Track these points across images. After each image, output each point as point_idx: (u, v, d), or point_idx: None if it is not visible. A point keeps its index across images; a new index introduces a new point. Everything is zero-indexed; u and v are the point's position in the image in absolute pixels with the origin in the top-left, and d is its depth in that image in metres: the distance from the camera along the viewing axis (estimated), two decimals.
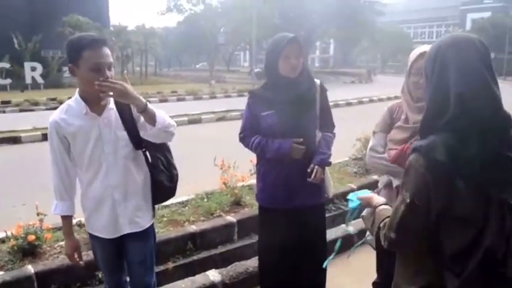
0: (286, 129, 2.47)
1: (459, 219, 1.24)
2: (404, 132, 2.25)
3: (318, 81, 2.64)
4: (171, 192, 2.43)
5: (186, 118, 12.77)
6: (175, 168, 2.44)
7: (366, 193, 1.72)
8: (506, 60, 36.48)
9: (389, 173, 2.38)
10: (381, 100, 18.71)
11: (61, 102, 16.15)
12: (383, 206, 1.55)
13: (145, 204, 2.33)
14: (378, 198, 1.63)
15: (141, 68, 34.80)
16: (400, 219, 1.31)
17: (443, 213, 1.25)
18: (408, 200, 1.28)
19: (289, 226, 2.59)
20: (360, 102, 17.28)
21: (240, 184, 4.76)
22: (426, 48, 2.06)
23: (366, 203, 1.66)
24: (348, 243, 2.85)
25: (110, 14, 35.59)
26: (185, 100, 19.61)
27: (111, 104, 2.20)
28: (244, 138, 2.67)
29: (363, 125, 11.13)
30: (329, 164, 2.66)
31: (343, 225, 4.36)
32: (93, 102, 2.15)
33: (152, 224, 2.44)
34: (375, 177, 5.55)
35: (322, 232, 2.83)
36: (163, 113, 2.19)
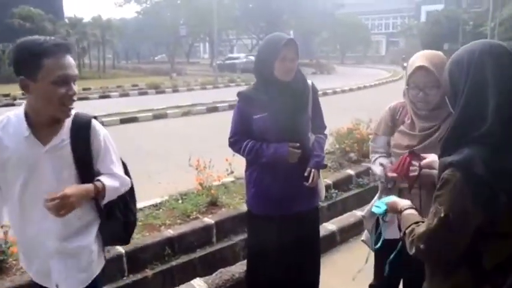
0: (280, 133, 2.36)
1: (501, 233, 1.21)
2: (411, 139, 2.13)
3: (310, 82, 2.54)
4: (123, 242, 2.12)
5: (150, 113, 12.41)
6: (133, 215, 2.06)
7: (390, 199, 1.68)
8: None
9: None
10: (343, 91, 18.90)
11: (15, 99, 15.46)
12: (409, 211, 1.51)
13: (89, 257, 1.89)
14: (403, 201, 1.58)
15: (99, 61, 33.71)
16: (431, 232, 1.27)
17: (484, 228, 1.21)
18: (442, 215, 1.23)
19: (284, 233, 2.49)
20: (325, 94, 17.39)
21: (215, 183, 4.62)
22: (423, 61, 1.97)
23: (391, 209, 1.62)
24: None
25: (63, 5, 34.16)
26: (147, 94, 19.12)
27: (65, 132, 1.75)
28: (236, 143, 2.52)
29: (334, 117, 11.27)
30: (324, 166, 2.58)
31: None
32: (41, 126, 1.70)
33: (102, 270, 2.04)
34: (349, 171, 5.54)
35: (317, 236, 2.76)
36: (117, 179, 1.87)
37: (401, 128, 2.18)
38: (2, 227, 3.17)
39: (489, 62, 1.24)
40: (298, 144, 2.37)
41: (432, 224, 1.26)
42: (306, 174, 2.41)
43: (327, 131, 2.69)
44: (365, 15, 55.37)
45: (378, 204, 1.71)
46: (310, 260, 2.62)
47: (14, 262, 3.20)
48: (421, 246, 1.30)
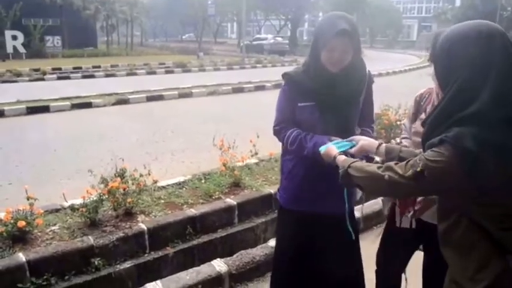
0: (327, 125, 2.12)
1: (493, 203, 1.25)
2: None
3: (367, 72, 2.25)
4: None
5: (176, 92, 12.42)
6: None
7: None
8: None
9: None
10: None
11: (44, 74, 15.82)
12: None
13: None
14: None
15: (127, 39, 33.92)
16: (400, 178, 1.36)
17: (475, 198, 1.26)
18: (418, 169, 1.29)
19: (315, 234, 2.27)
20: None
21: (239, 164, 4.58)
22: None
23: (325, 155, 1.86)
24: None
25: None
26: (174, 73, 19.14)
27: None
28: (280, 131, 2.24)
29: None
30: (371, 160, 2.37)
31: None
32: None
33: None
34: (376, 157, 5.42)
35: (356, 241, 2.36)
36: None
37: (423, 115, 2.08)
38: (28, 198, 3.24)
39: (497, 42, 1.25)
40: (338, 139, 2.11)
41: (405, 173, 1.34)
42: None
43: (374, 125, 2.40)
44: None
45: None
46: (349, 265, 2.35)
47: (39, 234, 3.26)
48: (386, 177, 1.40)
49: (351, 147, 1.95)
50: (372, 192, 1.51)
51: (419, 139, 1.99)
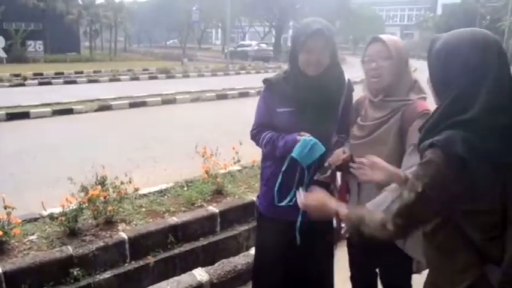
0: (304, 131, 2.12)
1: (482, 210, 1.25)
2: (362, 130, 2.05)
3: (346, 79, 2.27)
4: None
5: (159, 98, 12.35)
6: None
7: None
8: None
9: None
10: (355, 83, 18.60)
11: (25, 79, 15.55)
12: (346, 209, 1.54)
13: None
14: (331, 203, 1.62)
15: (111, 44, 33.67)
16: (409, 206, 1.30)
17: (464, 205, 1.25)
18: (420, 190, 1.26)
19: (291, 242, 2.26)
20: None
21: (222, 172, 4.57)
22: (383, 35, 2.02)
23: (318, 212, 1.65)
24: None
25: None
26: (157, 78, 19.05)
27: None
28: (257, 134, 2.29)
29: None
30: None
31: None
32: None
33: None
34: None
35: (331, 254, 2.43)
36: None
37: (358, 119, 2.12)
38: (5, 207, 3.17)
39: (492, 51, 1.26)
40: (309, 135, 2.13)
41: (409, 199, 1.29)
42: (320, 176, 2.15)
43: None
44: (380, 5, 54.61)
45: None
46: (322, 272, 2.39)
47: (16, 244, 3.19)
48: (399, 221, 1.31)
49: (321, 155, 2.05)
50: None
51: (354, 141, 2.11)
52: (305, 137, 2.06)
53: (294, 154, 2.06)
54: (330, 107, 2.20)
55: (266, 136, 2.23)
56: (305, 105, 2.14)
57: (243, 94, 14.24)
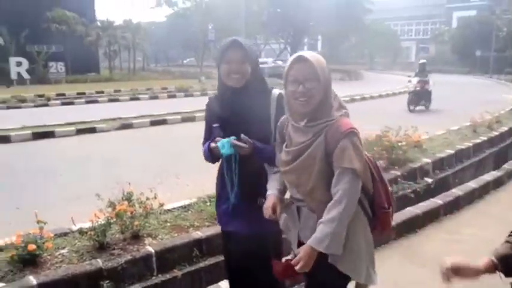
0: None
1: None
2: (287, 155, 1.96)
3: (276, 92, 2.30)
4: None
5: (179, 116, 12.55)
6: None
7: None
8: (492, 58, 36.86)
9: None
10: (372, 98, 18.69)
11: (49, 99, 15.98)
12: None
13: None
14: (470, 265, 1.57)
15: (129, 64, 34.35)
16: None
17: None
18: None
19: (233, 254, 2.43)
20: (353, 100, 17.24)
21: None
22: (305, 53, 1.90)
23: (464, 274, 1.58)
24: None
25: (95, 8, 35.06)
26: (176, 97, 19.38)
27: None
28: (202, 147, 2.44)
29: (362, 124, 11.14)
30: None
31: None
32: None
33: None
34: None
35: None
36: None
37: (284, 145, 2.04)
38: (38, 222, 3.30)
39: None
40: (245, 139, 2.14)
41: None
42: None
43: None
44: (394, 21, 54.63)
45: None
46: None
47: (48, 257, 3.31)
48: None
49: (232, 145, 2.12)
50: None
51: (282, 167, 2.00)
52: (221, 140, 2.14)
53: (223, 152, 2.15)
54: (257, 121, 2.20)
55: (203, 147, 2.40)
56: (229, 120, 2.22)
57: None
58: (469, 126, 9.14)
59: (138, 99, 18.00)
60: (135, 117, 11.91)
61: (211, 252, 3.77)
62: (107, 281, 3.17)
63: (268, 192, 2.10)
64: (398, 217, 4.57)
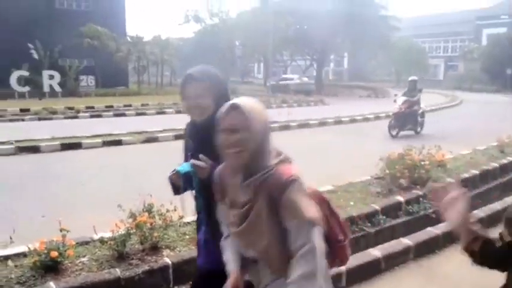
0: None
1: None
2: (233, 217, 1.81)
3: None
4: None
5: None
6: None
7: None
8: None
9: None
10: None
11: (78, 112, 16.43)
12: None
13: None
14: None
15: (157, 79, 35.07)
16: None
17: None
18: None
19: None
20: (377, 118, 17.15)
21: None
22: (238, 100, 1.75)
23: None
24: None
25: (126, 24, 35.99)
26: None
27: None
28: None
29: (386, 142, 11.08)
30: None
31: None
32: None
33: None
34: (399, 197, 5.43)
35: None
36: None
37: (227, 202, 1.85)
38: (61, 230, 3.42)
39: None
40: (204, 158, 2.05)
41: None
42: None
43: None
44: (422, 38, 54.17)
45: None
46: None
47: (69, 264, 3.41)
48: None
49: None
50: None
51: (233, 229, 1.81)
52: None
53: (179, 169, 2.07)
54: (208, 152, 2.05)
55: None
56: (195, 151, 2.14)
57: (284, 127, 14.39)
58: (496, 146, 8.95)
59: (164, 113, 18.33)
60: (161, 131, 12.13)
61: None
62: None
63: (227, 268, 1.88)
64: (418, 237, 4.52)
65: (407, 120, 12.83)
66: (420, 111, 13.26)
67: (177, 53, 36.95)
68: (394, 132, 12.54)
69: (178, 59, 37.23)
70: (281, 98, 25.63)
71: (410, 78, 13.91)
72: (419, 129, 13.30)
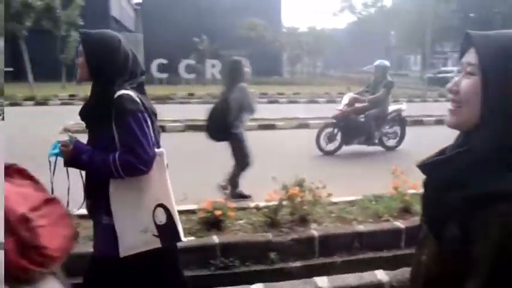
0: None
1: None
2: None
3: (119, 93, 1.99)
4: None
5: None
6: None
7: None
8: None
9: None
10: None
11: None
12: None
13: None
14: None
15: (309, 69, 35.77)
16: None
17: None
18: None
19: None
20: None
21: (411, 191, 4.61)
22: None
23: None
24: None
25: (281, 15, 37.33)
26: None
27: None
28: None
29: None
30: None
31: None
32: None
33: None
34: None
35: None
36: None
37: None
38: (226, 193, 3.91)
39: None
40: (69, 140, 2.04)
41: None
42: None
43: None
44: None
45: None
46: None
47: (229, 224, 3.90)
48: None
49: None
50: None
51: None
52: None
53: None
54: (102, 127, 2.04)
55: None
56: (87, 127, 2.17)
57: (439, 122, 13.53)
58: None
59: (316, 102, 18.74)
60: (312, 118, 12.48)
61: (370, 246, 3.91)
62: (274, 253, 3.59)
63: None
64: None
65: (357, 129, 8.33)
66: (393, 115, 8.86)
67: (330, 43, 37.10)
68: (323, 145, 8.38)
69: (331, 49, 37.41)
70: (438, 91, 23.99)
71: (376, 63, 9.15)
72: (393, 142, 8.98)
